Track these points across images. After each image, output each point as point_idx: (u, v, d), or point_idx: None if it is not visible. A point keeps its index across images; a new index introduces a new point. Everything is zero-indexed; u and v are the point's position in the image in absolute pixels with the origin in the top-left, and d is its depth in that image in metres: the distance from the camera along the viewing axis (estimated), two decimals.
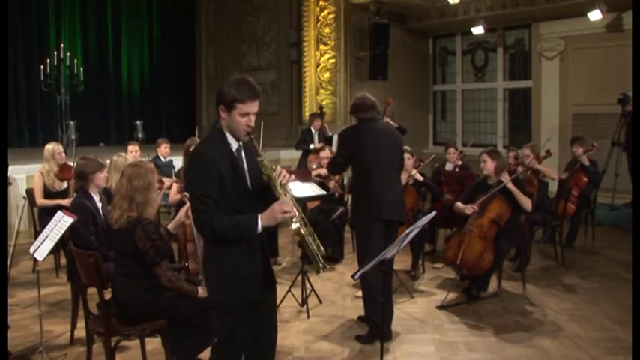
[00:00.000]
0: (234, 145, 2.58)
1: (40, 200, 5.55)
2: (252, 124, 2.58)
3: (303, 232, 2.54)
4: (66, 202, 5.16)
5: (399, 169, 4.31)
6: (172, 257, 3.74)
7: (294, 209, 2.50)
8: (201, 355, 3.49)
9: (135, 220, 3.16)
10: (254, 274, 2.62)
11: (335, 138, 8.20)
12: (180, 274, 3.77)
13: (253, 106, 2.53)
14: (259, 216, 2.48)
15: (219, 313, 2.64)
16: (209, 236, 2.54)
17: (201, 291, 3.28)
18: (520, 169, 5.79)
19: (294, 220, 2.50)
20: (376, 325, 3.91)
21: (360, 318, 4.39)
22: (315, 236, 2.60)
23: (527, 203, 4.81)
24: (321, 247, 2.59)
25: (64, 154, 5.75)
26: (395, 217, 4.08)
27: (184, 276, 3.71)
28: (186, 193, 5.39)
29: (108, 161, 4.60)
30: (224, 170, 2.49)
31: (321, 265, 2.56)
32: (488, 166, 4.89)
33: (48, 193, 5.60)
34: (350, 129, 4.32)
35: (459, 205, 4.95)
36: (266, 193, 2.59)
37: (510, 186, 4.78)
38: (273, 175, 2.53)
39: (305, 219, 2.58)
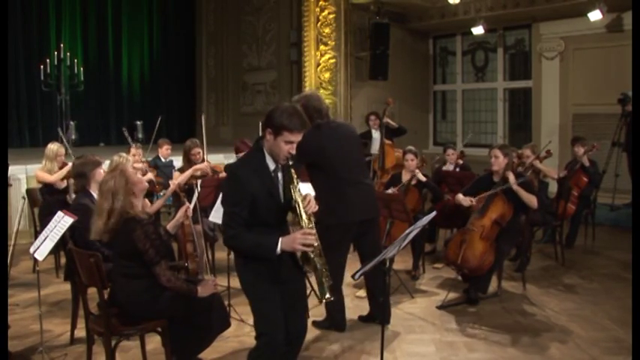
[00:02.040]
0: (271, 165, 2.73)
1: (48, 177, 5.63)
2: (294, 151, 2.70)
3: (317, 264, 2.65)
4: (67, 168, 5.42)
5: (366, 164, 4.31)
6: (173, 256, 3.74)
7: (315, 242, 2.61)
8: (201, 355, 3.49)
9: (131, 219, 3.12)
10: (280, 265, 2.74)
11: None
12: (180, 273, 3.77)
13: (299, 136, 2.67)
14: (280, 240, 2.62)
15: (254, 307, 2.80)
16: (233, 249, 2.78)
17: (201, 290, 3.27)
18: (520, 168, 5.79)
19: (311, 250, 2.62)
20: (332, 317, 4.19)
21: (360, 318, 4.39)
22: (327, 267, 2.69)
23: (533, 201, 4.76)
24: (330, 280, 2.67)
25: (64, 157, 5.80)
26: (367, 215, 4.07)
27: (184, 276, 3.70)
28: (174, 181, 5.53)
29: (108, 161, 4.60)
30: (257, 191, 2.65)
31: (326, 295, 2.65)
32: (500, 161, 4.82)
33: (48, 192, 5.63)
34: (307, 136, 4.15)
35: (460, 196, 4.91)
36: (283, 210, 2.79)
37: (517, 188, 4.73)
38: (302, 202, 2.65)
39: (321, 250, 2.67)
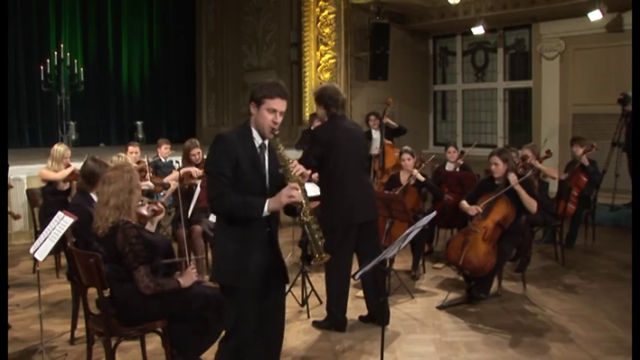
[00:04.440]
0: (258, 140, 2.76)
1: (52, 174, 5.65)
2: (279, 122, 2.74)
3: (309, 223, 2.67)
4: (72, 168, 5.51)
5: (368, 168, 4.34)
6: (172, 254, 3.71)
7: (302, 197, 2.64)
8: (203, 355, 3.49)
9: (116, 224, 3.11)
10: (264, 265, 2.75)
11: None
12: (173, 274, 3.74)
13: (281, 105, 2.72)
14: (268, 200, 2.64)
15: (229, 302, 2.77)
16: (218, 210, 2.75)
17: (183, 282, 3.24)
18: (521, 170, 5.78)
19: (299, 207, 2.65)
20: (333, 317, 4.19)
21: (360, 318, 4.39)
22: (319, 226, 2.72)
23: (533, 205, 4.74)
24: (322, 238, 2.71)
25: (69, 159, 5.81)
26: (367, 217, 4.12)
27: (178, 273, 3.65)
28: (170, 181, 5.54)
29: (108, 161, 4.58)
30: (241, 157, 2.67)
31: (320, 252, 2.68)
32: (500, 168, 4.82)
33: (50, 192, 5.63)
34: (324, 126, 4.19)
35: (465, 204, 4.91)
36: (275, 185, 2.76)
37: (518, 188, 4.73)
38: (289, 166, 2.68)
39: (310, 209, 2.71)
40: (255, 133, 2.76)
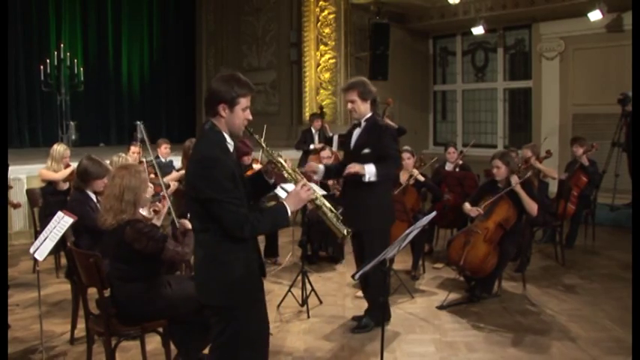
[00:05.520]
0: (231, 146, 2.57)
1: (52, 174, 5.66)
2: (250, 117, 2.60)
3: (323, 208, 2.65)
4: (72, 168, 5.48)
5: None
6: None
7: (314, 189, 2.60)
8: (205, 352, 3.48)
9: (124, 222, 3.11)
10: (256, 270, 2.65)
11: (335, 138, 8.19)
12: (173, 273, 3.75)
13: (249, 100, 2.57)
14: (285, 203, 2.55)
15: (218, 319, 2.59)
16: (248, 235, 2.49)
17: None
18: (523, 171, 5.78)
19: (316, 197, 2.62)
20: (375, 304, 4.13)
21: (354, 318, 4.38)
22: (332, 207, 2.70)
23: (533, 208, 4.74)
24: (339, 217, 2.69)
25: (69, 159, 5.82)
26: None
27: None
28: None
29: (107, 161, 4.58)
30: (235, 171, 2.49)
31: (345, 230, 2.66)
32: (502, 172, 4.82)
33: (50, 192, 5.63)
34: (388, 126, 4.21)
35: (467, 206, 4.91)
36: (256, 186, 2.71)
37: (518, 189, 4.73)
38: (282, 161, 2.64)
39: (320, 195, 2.69)
40: (228, 138, 2.55)
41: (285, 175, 2.65)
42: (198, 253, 2.61)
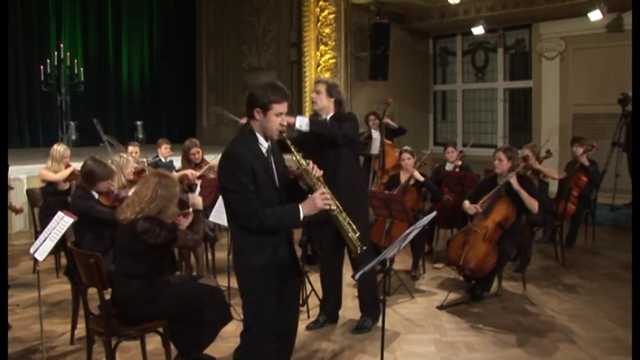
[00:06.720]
0: (264, 145, 2.74)
1: (52, 175, 5.66)
2: (285, 123, 2.77)
3: (340, 219, 2.70)
4: (72, 168, 5.55)
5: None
6: (173, 258, 3.75)
7: (333, 202, 2.66)
8: (206, 351, 3.49)
9: (140, 217, 3.14)
10: (283, 263, 2.77)
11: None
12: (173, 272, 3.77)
13: (286, 107, 2.74)
14: (300, 206, 2.64)
15: (249, 301, 2.75)
16: (255, 227, 2.63)
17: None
18: (522, 170, 5.78)
19: (332, 207, 2.67)
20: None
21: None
22: (351, 221, 2.74)
23: (534, 205, 4.72)
24: (356, 232, 2.73)
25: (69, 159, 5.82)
26: None
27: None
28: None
29: (108, 161, 4.57)
30: (256, 167, 2.64)
31: (358, 247, 2.69)
32: (504, 165, 4.78)
33: (50, 192, 5.63)
34: (352, 113, 4.33)
35: (466, 203, 4.89)
36: (290, 190, 2.83)
37: (517, 186, 4.72)
38: (308, 168, 2.71)
39: (341, 207, 2.73)
40: (260, 139, 2.73)
41: (308, 180, 2.72)
42: (232, 239, 2.88)
